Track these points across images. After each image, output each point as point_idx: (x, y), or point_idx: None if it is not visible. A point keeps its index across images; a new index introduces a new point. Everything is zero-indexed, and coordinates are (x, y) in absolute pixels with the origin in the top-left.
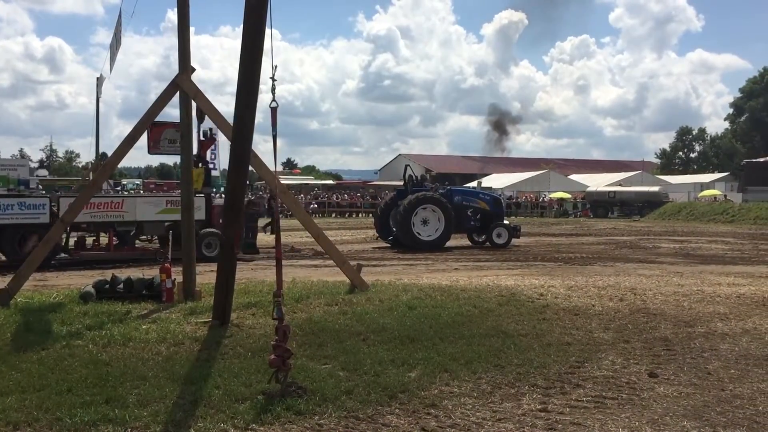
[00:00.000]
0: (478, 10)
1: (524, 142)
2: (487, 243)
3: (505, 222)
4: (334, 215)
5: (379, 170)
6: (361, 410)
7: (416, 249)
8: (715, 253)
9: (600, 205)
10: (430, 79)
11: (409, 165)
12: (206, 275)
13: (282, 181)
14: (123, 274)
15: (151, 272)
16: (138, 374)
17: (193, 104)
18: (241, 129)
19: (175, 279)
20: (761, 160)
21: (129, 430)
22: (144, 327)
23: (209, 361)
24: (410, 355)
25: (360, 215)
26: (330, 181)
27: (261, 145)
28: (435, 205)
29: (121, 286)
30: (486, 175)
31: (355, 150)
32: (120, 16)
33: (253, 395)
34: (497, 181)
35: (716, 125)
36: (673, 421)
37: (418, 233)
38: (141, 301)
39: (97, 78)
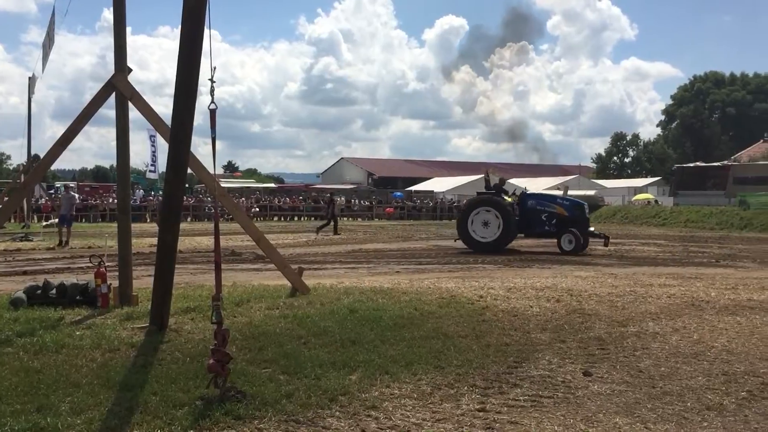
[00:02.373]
0: (419, 15)
1: (465, 146)
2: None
3: (590, 229)
4: (275, 219)
5: (322, 174)
6: (302, 413)
7: (475, 251)
8: (647, 255)
9: None
10: (373, 83)
11: (488, 170)
12: (144, 280)
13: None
14: (56, 279)
15: (86, 277)
16: (71, 381)
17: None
18: (180, 131)
19: (110, 284)
20: (691, 165)
21: None
22: (78, 333)
23: (146, 367)
24: (351, 358)
25: (302, 219)
26: (272, 185)
27: (201, 148)
28: (493, 208)
29: (54, 291)
30: (428, 178)
31: (298, 153)
32: (53, 14)
33: (192, 401)
34: (439, 184)
35: (649, 131)
36: (606, 418)
37: (475, 234)
38: (75, 306)
39: (29, 77)
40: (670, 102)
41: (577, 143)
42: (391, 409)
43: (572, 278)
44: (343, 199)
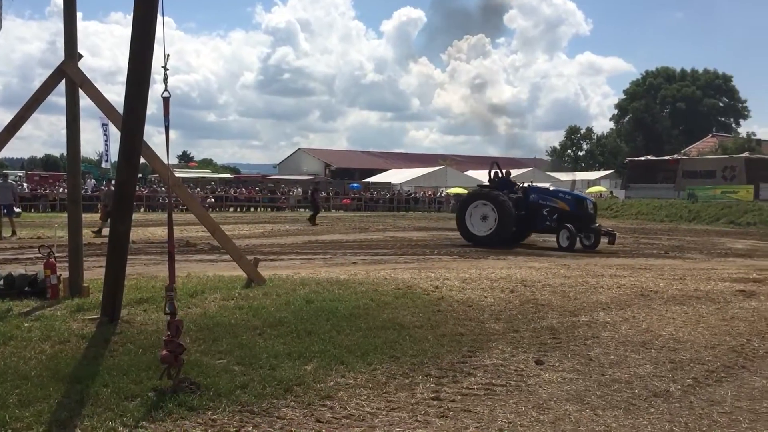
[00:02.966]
0: (377, 7)
1: (422, 139)
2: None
3: (595, 225)
4: (231, 209)
5: (279, 164)
6: (256, 404)
7: (473, 244)
8: (599, 247)
9: None
10: (330, 74)
11: (496, 162)
12: (95, 271)
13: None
14: (3, 270)
15: (35, 268)
16: (20, 374)
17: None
18: (132, 120)
19: (60, 275)
20: (642, 158)
21: (10, 431)
22: (26, 325)
23: (97, 359)
24: (307, 348)
25: (258, 209)
26: (228, 175)
27: (155, 137)
28: (490, 202)
29: (1, 282)
30: (385, 170)
31: (254, 144)
32: None
33: (144, 392)
34: (396, 176)
35: (602, 125)
36: (556, 405)
37: (473, 228)
38: (23, 298)
39: None
40: (623, 96)
41: (533, 136)
42: (346, 398)
43: (526, 269)
44: (299, 190)
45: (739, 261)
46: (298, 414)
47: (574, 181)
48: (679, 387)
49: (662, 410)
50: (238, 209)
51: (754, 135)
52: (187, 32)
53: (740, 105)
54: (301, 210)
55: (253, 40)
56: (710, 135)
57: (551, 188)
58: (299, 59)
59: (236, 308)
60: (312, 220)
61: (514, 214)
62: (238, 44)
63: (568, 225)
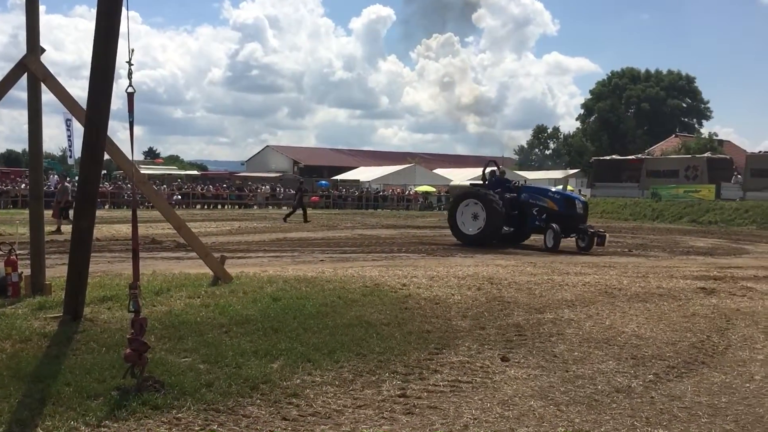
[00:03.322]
0: (346, 4)
1: (391, 136)
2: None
3: (584, 226)
4: (198, 207)
5: (247, 161)
6: (222, 402)
7: (463, 243)
8: (564, 245)
9: None
10: (299, 71)
11: (493, 161)
12: (58, 268)
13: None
14: None
15: None
16: None
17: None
18: (96, 115)
19: (22, 272)
20: (607, 158)
21: None
22: None
23: (59, 358)
24: (273, 346)
25: (226, 207)
26: (195, 172)
27: (120, 133)
28: (479, 200)
29: None
30: (354, 167)
31: (222, 140)
32: None
33: (107, 391)
34: (365, 174)
35: (569, 124)
36: (521, 402)
37: (463, 227)
38: None
39: None
40: (589, 96)
41: (501, 135)
42: (312, 396)
43: (493, 267)
44: (267, 187)
45: (701, 259)
46: (264, 412)
47: (567, 180)
48: (641, 383)
49: (624, 405)
50: (206, 206)
51: (716, 135)
52: (153, 27)
53: (703, 106)
54: (269, 207)
55: (220, 35)
56: (673, 135)
57: (543, 187)
58: (268, 56)
59: (202, 306)
60: (303, 217)
61: (503, 213)
62: (205, 40)
63: (554, 225)
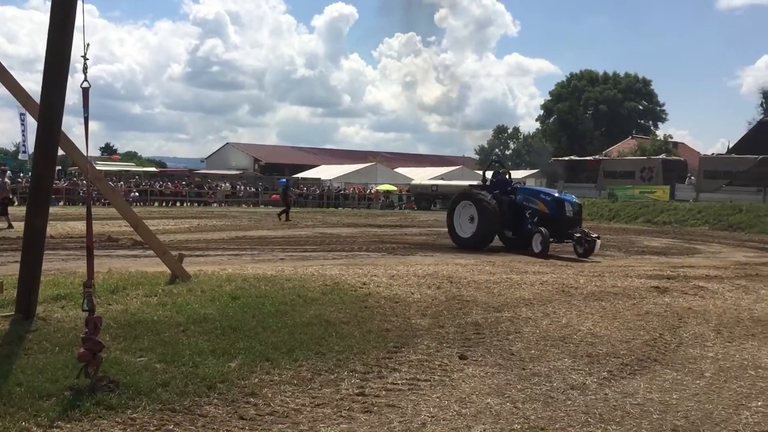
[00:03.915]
0: (308, 1)
1: (353, 135)
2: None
3: (574, 230)
4: (156, 204)
5: (206, 158)
6: (178, 402)
7: (459, 247)
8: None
9: (423, 197)
10: (261, 68)
11: (496, 161)
12: (10, 266)
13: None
14: None
15: None
16: None
17: None
18: (49, 110)
19: None
20: (566, 158)
21: None
22: None
23: (10, 358)
24: (231, 345)
25: (185, 204)
26: (153, 169)
27: (76, 128)
28: (473, 202)
29: None
30: (315, 166)
31: (181, 137)
32: None
33: (60, 391)
34: (326, 172)
35: (529, 125)
36: (478, 399)
37: (460, 230)
38: None
39: None
40: (549, 98)
41: (462, 134)
42: (270, 395)
43: (453, 266)
44: (227, 185)
45: (655, 258)
46: (221, 411)
47: (562, 182)
48: (595, 380)
49: (579, 402)
50: (164, 204)
51: (671, 137)
52: (110, 21)
53: (658, 108)
54: (229, 205)
55: (180, 31)
56: (630, 137)
57: (535, 188)
58: (228, 52)
59: (159, 305)
60: (285, 216)
61: (497, 215)
62: (164, 35)
63: (542, 229)
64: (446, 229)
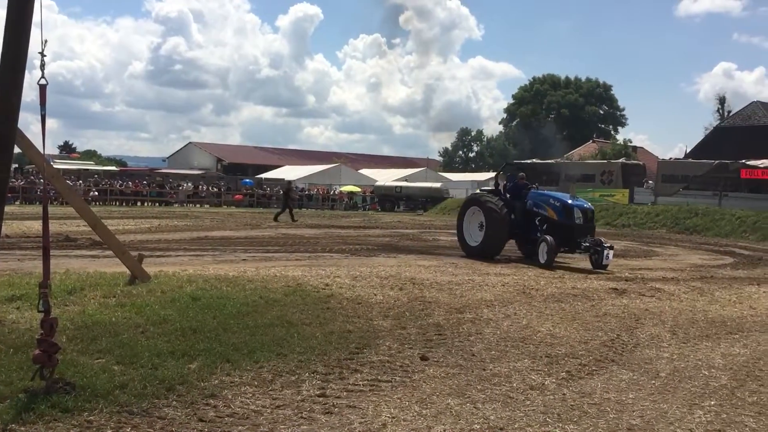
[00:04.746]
0: (273, 1)
1: (318, 136)
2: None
3: (584, 239)
4: (116, 203)
5: (168, 158)
6: (136, 404)
7: (466, 255)
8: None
9: (387, 199)
10: (224, 67)
11: (511, 164)
12: None
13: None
14: None
15: None
16: None
17: None
18: (5, 107)
19: None
20: (528, 161)
21: None
22: None
23: None
24: (191, 347)
25: (146, 204)
26: (113, 168)
27: (33, 126)
28: (480, 208)
29: None
30: (279, 166)
31: (143, 136)
32: None
33: (14, 394)
34: (290, 173)
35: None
36: (439, 400)
37: (469, 237)
38: None
39: None
40: (512, 101)
41: (426, 137)
42: (230, 396)
43: (416, 267)
44: (190, 185)
45: (614, 261)
46: (179, 413)
47: (573, 186)
48: (554, 380)
49: (537, 402)
50: (124, 203)
51: (630, 142)
52: (70, 17)
53: (618, 113)
54: (190, 205)
55: (142, 28)
56: (591, 141)
57: (546, 193)
58: (192, 50)
59: (118, 306)
60: (291, 217)
61: (505, 221)
62: (126, 32)
63: (548, 237)
64: (409, 230)
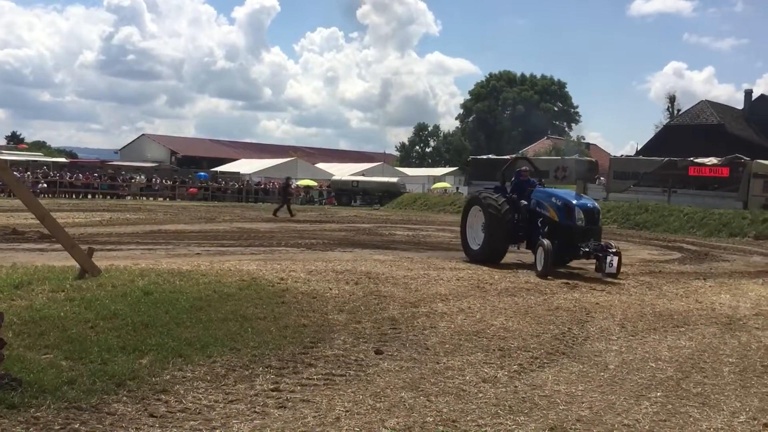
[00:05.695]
0: None
1: (274, 129)
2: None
3: (586, 243)
4: (66, 196)
5: (120, 150)
6: (85, 400)
7: (469, 260)
8: (442, 240)
9: (344, 193)
10: (179, 58)
11: (521, 158)
12: None
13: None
14: None
15: None
16: None
17: None
18: None
19: None
20: (484, 157)
21: None
22: None
23: None
24: (143, 342)
25: (97, 197)
26: (62, 159)
27: None
28: (481, 207)
29: None
30: (235, 159)
31: (94, 127)
32: None
33: None
34: (246, 166)
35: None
36: (393, 393)
37: (471, 240)
38: None
39: None
40: (468, 97)
41: (383, 131)
42: (182, 392)
43: (371, 262)
44: (142, 177)
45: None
46: (130, 409)
47: (585, 184)
48: (506, 373)
49: (490, 395)
50: (74, 196)
51: (584, 139)
52: (18, 4)
53: (572, 110)
54: (143, 198)
55: (94, 17)
56: (545, 137)
57: (549, 191)
58: (145, 41)
59: (66, 300)
60: (289, 212)
61: (507, 222)
62: (76, 20)
63: (545, 241)
64: (366, 225)
